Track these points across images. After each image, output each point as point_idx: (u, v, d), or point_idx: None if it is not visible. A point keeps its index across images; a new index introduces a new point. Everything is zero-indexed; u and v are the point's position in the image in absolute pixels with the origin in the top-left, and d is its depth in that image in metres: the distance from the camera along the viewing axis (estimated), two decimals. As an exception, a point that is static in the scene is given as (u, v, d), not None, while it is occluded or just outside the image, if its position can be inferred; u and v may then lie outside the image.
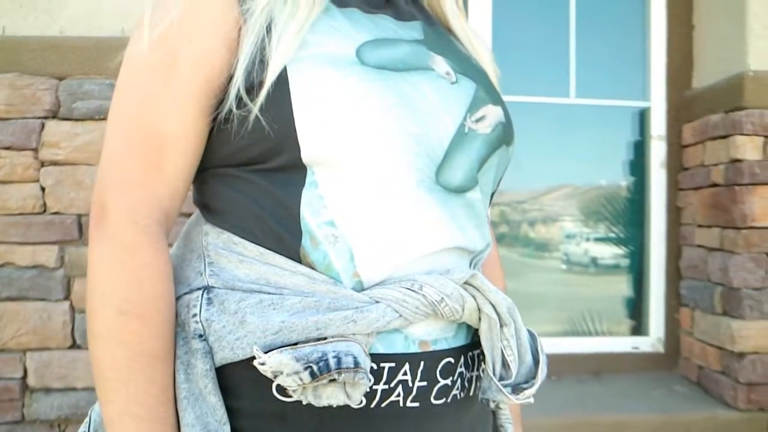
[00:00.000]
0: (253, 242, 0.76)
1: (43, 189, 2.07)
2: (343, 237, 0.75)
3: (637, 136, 2.86)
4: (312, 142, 0.73)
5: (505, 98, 0.93)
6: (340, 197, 0.75)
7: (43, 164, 2.07)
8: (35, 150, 2.07)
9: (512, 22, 2.77)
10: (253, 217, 0.77)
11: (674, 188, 2.79)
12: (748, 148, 2.34)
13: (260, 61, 0.75)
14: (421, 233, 0.77)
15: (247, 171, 0.77)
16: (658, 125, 2.80)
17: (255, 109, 0.73)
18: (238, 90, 0.74)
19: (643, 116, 2.84)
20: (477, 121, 0.83)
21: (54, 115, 2.08)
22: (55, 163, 2.07)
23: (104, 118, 2.06)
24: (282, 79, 0.73)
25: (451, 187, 0.79)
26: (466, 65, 0.89)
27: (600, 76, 2.84)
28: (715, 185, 2.49)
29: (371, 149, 0.74)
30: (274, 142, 0.74)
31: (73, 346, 2.08)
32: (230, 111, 0.75)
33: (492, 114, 0.85)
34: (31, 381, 2.06)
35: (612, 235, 2.89)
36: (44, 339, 2.06)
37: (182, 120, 0.76)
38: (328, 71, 0.74)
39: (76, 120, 2.07)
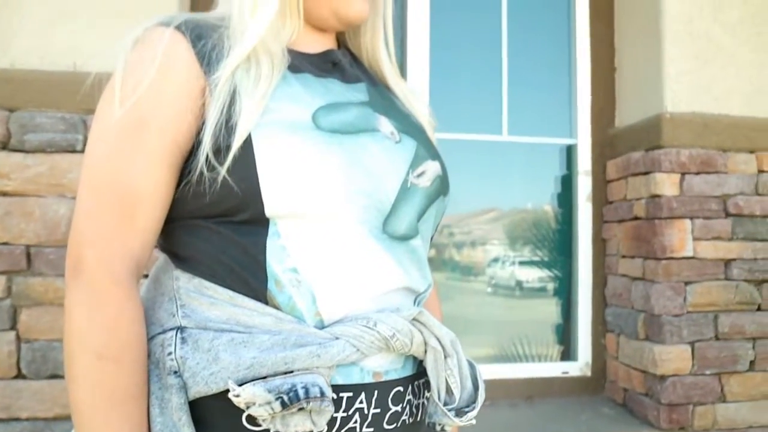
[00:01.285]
0: (222, 286, 0.84)
1: (-8, 219, 2.08)
2: (306, 281, 0.84)
3: (565, 170, 3.01)
4: (275, 199, 0.81)
5: (442, 135, 1.05)
6: (301, 246, 0.84)
7: (-8, 194, 2.09)
8: (-16, 181, 2.08)
9: (449, 65, 2.89)
10: (222, 265, 0.84)
11: (599, 220, 2.94)
12: (666, 185, 2.51)
13: (226, 126, 0.82)
14: (373, 276, 0.87)
15: (214, 222, 0.85)
16: (584, 161, 2.95)
17: (223, 171, 0.81)
18: (207, 155, 0.82)
19: (570, 153, 2.99)
20: (418, 176, 0.93)
21: (4, 146, 2.09)
22: (4, 194, 2.08)
23: (55, 151, 2.10)
24: (247, 143, 0.81)
25: (396, 235, 0.89)
26: (406, 123, 0.99)
27: (530, 115, 2.97)
28: (637, 218, 2.65)
29: (327, 205, 0.83)
30: (240, 199, 0.82)
31: (18, 376, 2.08)
32: (201, 173, 0.82)
33: (431, 169, 0.96)
34: (-26, 411, 2.05)
35: (541, 263, 3.03)
36: (-12, 369, 2.06)
37: (152, 178, 0.83)
38: (288, 136, 0.82)
39: (27, 152, 2.10)
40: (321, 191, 0.83)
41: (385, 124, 0.94)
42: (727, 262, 2.55)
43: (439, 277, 2.96)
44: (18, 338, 2.09)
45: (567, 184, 3.00)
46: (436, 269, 2.96)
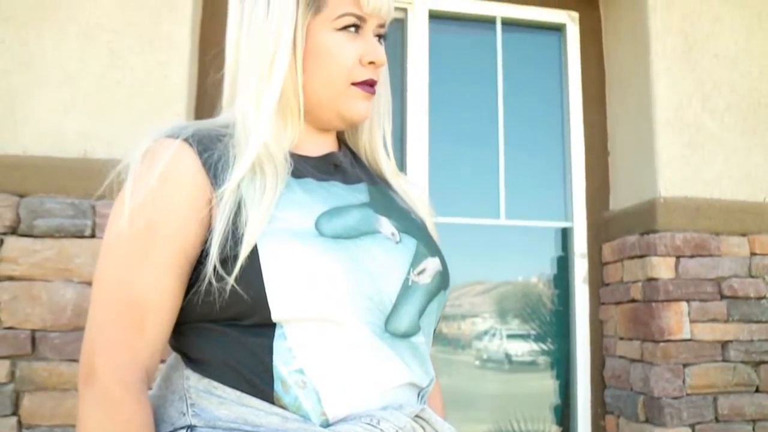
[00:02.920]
0: (230, 387, 0.87)
1: (-3, 303, 2.10)
2: (311, 382, 0.87)
3: (561, 253, 3.05)
4: (281, 305, 0.85)
5: (442, 220, 1.09)
6: (306, 348, 0.87)
7: (-1, 279, 2.12)
8: (-7, 265, 2.11)
9: (447, 153, 2.96)
10: (230, 367, 0.88)
11: (596, 302, 2.97)
12: (662, 268, 2.55)
13: (233, 237, 0.86)
14: (376, 374, 0.90)
15: (222, 325, 0.89)
16: (580, 244, 3.00)
17: (231, 281, 0.85)
18: (215, 265, 0.86)
19: (566, 235, 3.04)
20: (419, 273, 0.97)
21: (13, 231, 2.13)
22: (11, 279, 2.11)
23: (64, 236, 2.14)
24: (253, 252, 0.85)
25: (398, 333, 0.92)
26: (406, 222, 1.04)
27: (527, 199, 3.03)
28: (634, 301, 2.68)
29: (332, 309, 0.87)
30: (247, 306, 0.86)
31: (19, 462, 2.06)
32: (209, 282, 0.86)
33: (431, 266, 1.00)
34: (-26, 497, 2.03)
35: (540, 344, 3.04)
36: (-11, 454, 2.05)
37: (161, 288, 0.87)
38: (292, 244, 0.87)
39: (36, 237, 2.13)
40: (325, 296, 0.86)
41: (386, 225, 0.98)
42: (724, 344, 2.57)
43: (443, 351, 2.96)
44: (20, 423, 2.08)
45: (563, 266, 3.04)
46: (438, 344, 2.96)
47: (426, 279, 0.98)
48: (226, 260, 0.86)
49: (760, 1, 2.87)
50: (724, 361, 2.56)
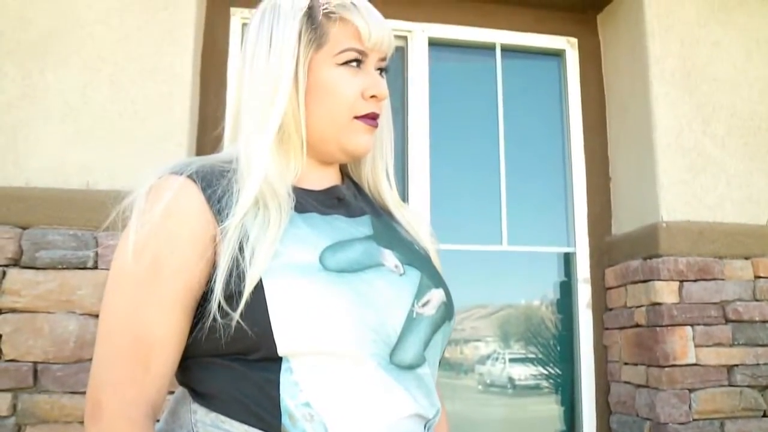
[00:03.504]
0: (238, 420, 0.87)
1: (0, 336, 2.10)
2: (318, 415, 0.87)
3: (564, 278, 3.05)
4: (287, 340, 0.85)
5: (445, 246, 1.09)
6: (313, 381, 0.87)
7: (1, 311, 2.11)
8: (-5, 297, 2.11)
9: (449, 181, 2.97)
10: (237, 401, 0.88)
11: (600, 327, 2.96)
12: (665, 292, 2.55)
13: (237, 273, 0.86)
14: (382, 406, 0.90)
15: (229, 360, 0.89)
16: (582, 269, 3.00)
17: (236, 317, 0.85)
18: (219, 302, 0.86)
19: (568, 261, 3.04)
20: (423, 305, 0.97)
21: (16, 263, 2.14)
22: (14, 311, 2.11)
23: (66, 268, 2.15)
24: (258, 288, 0.86)
25: (404, 365, 0.92)
26: (410, 254, 1.04)
27: (529, 225, 3.03)
28: (638, 325, 2.67)
29: (338, 343, 0.87)
30: (253, 341, 0.86)
31: (19, 496, 2.05)
32: (214, 319, 0.86)
33: (435, 297, 1.00)
34: None
35: (544, 370, 3.03)
36: (-9, 488, 2.04)
37: (166, 324, 0.87)
38: (297, 279, 0.87)
39: (38, 269, 2.14)
40: (331, 330, 0.86)
41: (390, 258, 0.99)
42: (730, 368, 2.56)
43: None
44: (21, 457, 2.07)
45: (566, 291, 3.03)
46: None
47: (430, 310, 0.98)
48: (231, 297, 0.86)
49: (759, 26, 2.90)
50: (730, 385, 2.55)
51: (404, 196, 2.73)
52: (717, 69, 2.82)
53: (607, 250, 2.98)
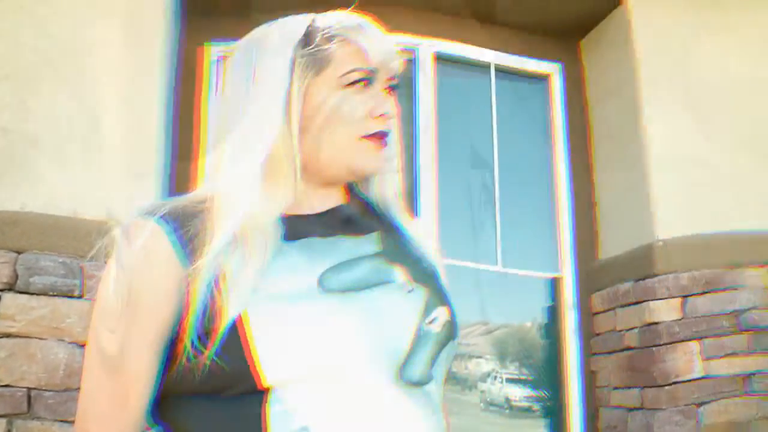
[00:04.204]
0: None
1: (-4, 360, 2.06)
2: None
3: (552, 303, 3.04)
4: (278, 368, 0.84)
5: (447, 261, 1.10)
6: (310, 406, 0.85)
7: (-3, 336, 2.08)
8: (-11, 322, 2.08)
9: (454, 199, 3.00)
10: None
11: (588, 353, 2.95)
12: (663, 311, 2.55)
13: (211, 312, 0.86)
14: (389, 424, 0.89)
15: (206, 397, 0.88)
16: (568, 295, 2.99)
17: (209, 355, 0.84)
18: (192, 341, 0.85)
19: (556, 286, 3.03)
20: (430, 323, 0.97)
21: (11, 288, 2.12)
22: (8, 336, 2.08)
23: (56, 294, 2.13)
24: (234, 324, 0.85)
25: (412, 382, 0.92)
26: (418, 270, 1.03)
27: (519, 248, 3.02)
28: (629, 348, 2.68)
29: (339, 362, 0.86)
30: (229, 378, 0.85)
31: None
32: (188, 359, 0.86)
33: (442, 315, 0.99)
34: None
35: (536, 393, 3.02)
36: None
37: (142, 361, 0.89)
38: (286, 307, 0.86)
39: (32, 294, 2.12)
40: (332, 351, 0.86)
41: (398, 275, 0.98)
42: (746, 378, 2.55)
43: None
44: (14, 485, 2.03)
45: (555, 316, 3.02)
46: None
47: (437, 328, 0.98)
48: (206, 334, 0.85)
49: (760, 35, 2.94)
50: (746, 394, 2.54)
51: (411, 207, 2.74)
52: (713, 79, 2.85)
53: (593, 275, 2.99)
